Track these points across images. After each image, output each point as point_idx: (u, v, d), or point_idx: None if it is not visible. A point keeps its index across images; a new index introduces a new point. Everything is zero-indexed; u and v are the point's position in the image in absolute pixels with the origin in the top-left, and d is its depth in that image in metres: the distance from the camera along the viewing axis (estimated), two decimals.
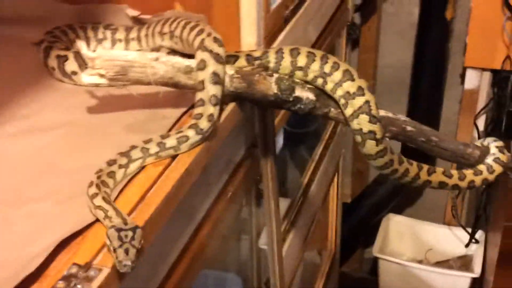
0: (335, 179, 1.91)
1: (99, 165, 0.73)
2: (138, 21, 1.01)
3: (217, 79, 0.82)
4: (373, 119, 0.90)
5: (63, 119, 0.84)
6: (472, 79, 2.11)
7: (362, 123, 0.90)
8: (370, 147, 0.91)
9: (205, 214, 0.90)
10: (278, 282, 1.21)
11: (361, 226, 2.39)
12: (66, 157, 0.78)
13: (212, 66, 0.81)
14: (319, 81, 0.91)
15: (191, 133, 0.77)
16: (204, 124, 0.79)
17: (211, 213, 0.91)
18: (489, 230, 2.15)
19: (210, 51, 0.82)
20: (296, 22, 1.20)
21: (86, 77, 0.79)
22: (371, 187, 2.36)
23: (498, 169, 1.01)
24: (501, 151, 1.01)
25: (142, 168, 0.75)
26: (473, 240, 2.22)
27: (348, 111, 0.90)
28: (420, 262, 2.35)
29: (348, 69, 0.91)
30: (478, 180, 1.00)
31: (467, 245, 2.24)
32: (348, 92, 0.90)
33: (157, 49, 0.92)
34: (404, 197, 2.39)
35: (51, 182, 0.73)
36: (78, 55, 0.91)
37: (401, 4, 2.19)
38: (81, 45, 0.83)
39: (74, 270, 0.60)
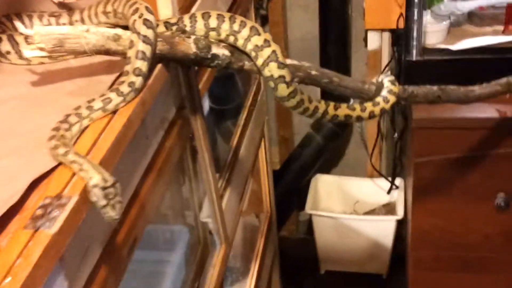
0: (262, 145, 2.06)
1: (50, 125, 0.85)
2: (64, 6, 1.13)
3: (143, 56, 0.93)
4: (281, 65, 1.05)
5: (11, 93, 0.95)
6: (373, 40, 2.31)
7: (272, 70, 1.05)
8: (282, 90, 1.06)
9: (148, 164, 1.03)
10: (221, 229, 1.36)
11: (292, 189, 2.56)
12: (19, 123, 0.89)
13: (139, 46, 0.92)
14: (231, 38, 1.05)
15: (113, 95, 0.89)
16: (124, 88, 0.90)
17: (153, 164, 1.04)
18: (405, 175, 2.37)
19: (138, 33, 0.93)
20: None
21: (27, 52, 0.90)
22: (296, 151, 2.53)
23: (392, 99, 1.18)
24: (393, 84, 1.19)
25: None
26: (394, 187, 2.44)
27: (259, 62, 1.05)
28: (349, 214, 2.55)
29: (254, 25, 1.05)
30: (377, 110, 1.18)
31: (388, 192, 2.45)
32: (256, 45, 1.04)
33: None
34: (328, 157, 2.57)
35: (11, 143, 0.84)
36: (11, 37, 1.02)
37: None
38: (19, 25, 0.94)
39: (48, 201, 0.72)
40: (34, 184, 0.76)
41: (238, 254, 1.92)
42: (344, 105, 1.16)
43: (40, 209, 0.71)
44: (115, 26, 1.02)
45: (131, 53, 0.93)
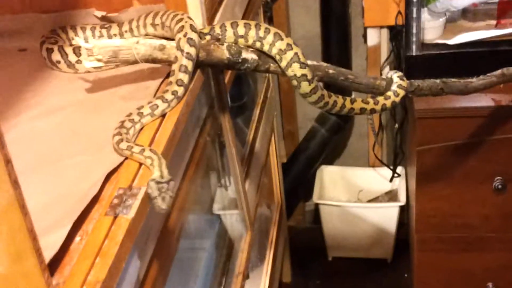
0: (272, 138, 2.19)
1: (110, 127, 0.97)
2: (106, 19, 1.25)
3: (185, 69, 1.05)
4: (303, 65, 1.17)
5: (69, 100, 1.08)
6: (373, 37, 2.44)
7: (295, 69, 1.17)
8: (305, 86, 1.19)
9: (189, 158, 1.16)
10: (247, 217, 1.48)
11: (299, 180, 2.68)
12: (82, 125, 1.01)
13: (182, 61, 1.05)
14: (258, 44, 1.18)
15: (159, 102, 1.01)
16: (168, 96, 1.02)
17: (193, 158, 1.17)
18: (407, 164, 2.50)
19: (182, 51, 1.06)
20: (225, 5, 1.46)
21: (87, 63, 1.03)
22: (302, 144, 2.66)
23: (401, 92, 1.31)
24: (401, 79, 1.32)
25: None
26: (396, 175, 2.57)
27: (283, 64, 1.18)
28: (354, 203, 2.69)
29: (277, 31, 1.18)
30: (388, 102, 1.31)
31: (391, 180, 2.58)
32: (280, 49, 1.17)
33: (150, 37, 1.15)
34: (332, 149, 2.70)
35: (79, 143, 0.97)
36: (61, 48, 1.15)
37: None
38: (78, 40, 1.06)
39: (121, 191, 0.85)
40: (106, 177, 0.88)
41: (255, 242, 2.05)
42: (359, 99, 1.29)
43: (116, 199, 0.84)
44: (161, 37, 1.14)
45: (175, 66, 1.05)
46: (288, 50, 1.17)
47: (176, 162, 1.08)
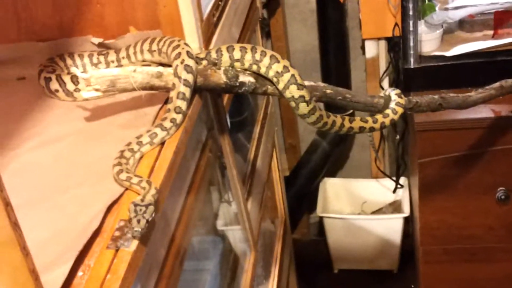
0: (274, 154, 2.19)
1: (109, 156, 0.98)
2: (103, 46, 1.26)
3: (183, 96, 1.06)
4: (300, 86, 1.17)
5: (68, 129, 1.08)
6: (371, 49, 2.45)
7: (293, 91, 1.17)
8: (303, 108, 1.19)
9: (190, 184, 1.16)
10: (250, 238, 1.48)
11: (302, 193, 2.69)
12: (81, 155, 1.02)
13: (180, 88, 1.05)
14: (254, 67, 1.18)
15: (157, 130, 1.01)
16: (167, 124, 1.02)
17: (193, 183, 1.17)
18: (409, 174, 2.50)
19: (179, 78, 1.06)
20: (222, 26, 1.47)
21: (85, 93, 1.03)
22: (304, 158, 2.67)
23: (400, 110, 1.31)
24: (399, 96, 1.32)
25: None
26: (399, 186, 2.57)
27: (281, 86, 1.18)
28: (358, 214, 2.69)
29: (273, 54, 1.18)
30: (387, 121, 1.31)
31: (394, 191, 2.58)
32: (277, 72, 1.17)
33: (147, 63, 1.16)
34: (334, 161, 2.71)
35: (78, 174, 0.97)
36: (59, 76, 1.15)
37: None
38: (75, 70, 1.07)
39: (122, 223, 0.85)
40: (108, 209, 0.89)
41: (260, 259, 2.05)
42: (357, 118, 1.29)
43: (117, 231, 0.84)
44: (158, 63, 1.14)
45: (173, 93, 1.05)
46: (285, 72, 1.17)
47: (177, 187, 1.08)
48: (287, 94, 1.18)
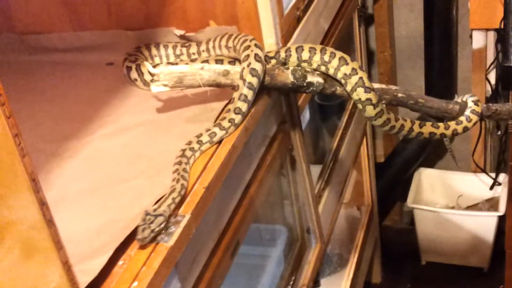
0: (364, 142, 2.19)
1: (172, 150, 1.04)
2: (185, 38, 1.32)
3: (244, 98, 1.09)
4: (367, 89, 1.17)
5: (139, 119, 1.16)
6: (478, 39, 2.35)
7: (360, 94, 1.18)
8: (370, 110, 1.19)
9: (251, 177, 1.20)
10: (317, 229, 1.51)
11: (395, 181, 2.66)
12: (146, 147, 1.09)
13: (243, 90, 1.09)
14: (322, 68, 1.19)
15: (216, 129, 1.06)
16: (225, 123, 1.06)
17: (255, 176, 1.22)
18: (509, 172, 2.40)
19: (244, 80, 1.10)
20: (307, 20, 1.48)
21: (154, 88, 1.10)
22: (400, 146, 2.62)
23: (474, 118, 1.27)
24: (476, 104, 1.28)
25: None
26: (496, 183, 2.47)
27: (348, 88, 1.19)
28: (452, 208, 2.62)
29: (343, 56, 1.19)
30: (460, 128, 1.27)
31: (491, 188, 2.49)
32: (345, 74, 1.18)
33: (220, 60, 1.21)
34: (431, 152, 2.64)
35: (139, 165, 1.04)
36: (138, 66, 1.23)
37: None
38: (147, 65, 1.14)
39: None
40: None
41: (336, 246, 2.07)
42: (428, 123, 1.27)
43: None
44: (234, 58, 1.19)
45: (235, 94, 1.10)
46: (353, 75, 1.17)
47: (234, 182, 1.13)
48: (354, 96, 1.19)
